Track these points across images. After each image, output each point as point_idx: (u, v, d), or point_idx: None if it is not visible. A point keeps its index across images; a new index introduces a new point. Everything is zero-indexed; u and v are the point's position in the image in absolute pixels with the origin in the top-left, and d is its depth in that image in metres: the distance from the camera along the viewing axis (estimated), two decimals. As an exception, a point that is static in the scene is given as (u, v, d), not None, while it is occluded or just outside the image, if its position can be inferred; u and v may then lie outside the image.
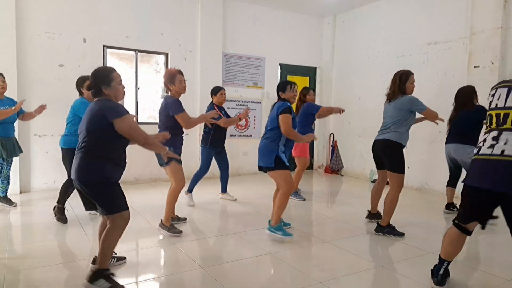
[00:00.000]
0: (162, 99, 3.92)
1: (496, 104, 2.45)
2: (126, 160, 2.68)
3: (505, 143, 2.31)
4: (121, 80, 2.65)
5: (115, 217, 2.53)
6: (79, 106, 4.02)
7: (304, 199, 5.39)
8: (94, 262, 2.90)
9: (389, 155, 3.84)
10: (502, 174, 2.27)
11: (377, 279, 2.96)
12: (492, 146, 2.36)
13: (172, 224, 3.80)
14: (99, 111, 2.48)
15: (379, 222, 3.94)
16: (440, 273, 2.66)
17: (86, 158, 2.50)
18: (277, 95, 3.80)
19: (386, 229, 3.87)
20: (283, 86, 3.77)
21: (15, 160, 5.19)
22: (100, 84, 2.56)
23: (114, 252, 2.96)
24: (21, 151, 4.86)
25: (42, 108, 4.64)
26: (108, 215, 2.56)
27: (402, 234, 3.83)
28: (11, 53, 5.38)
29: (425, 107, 3.74)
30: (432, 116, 3.80)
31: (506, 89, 2.43)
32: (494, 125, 2.43)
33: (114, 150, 2.57)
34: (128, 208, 2.59)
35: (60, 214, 4.11)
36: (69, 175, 4.04)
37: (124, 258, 3.08)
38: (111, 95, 2.58)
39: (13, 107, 4.46)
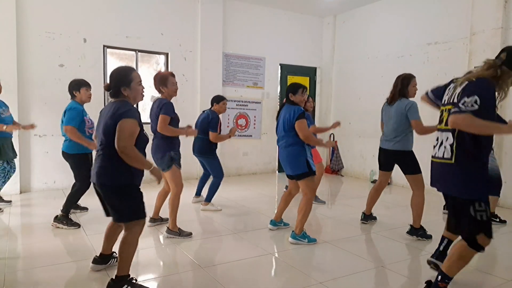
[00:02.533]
0: (153, 102, 3.80)
1: (444, 100, 2.47)
2: None
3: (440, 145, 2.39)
4: (140, 81, 2.55)
5: (133, 224, 2.47)
6: (70, 112, 3.91)
7: (325, 202, 5.34)
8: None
9: (406, 162, 3.83)
10: (437, 176, 2.40)
11: (377, 279, 2.96)
12: (434, 147, 2.46)
13: (180, 228, 3.77)
14: (114, 113, 2.39)
15: (412, 225, 3.80)
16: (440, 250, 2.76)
17: (109, 161, 2.42)
18: (286, 96, 3.69)
19: (420, 232, 3.76)
20: (295, 88, 3.66)
21: (15, 160, 5.18)
22: (120, 85, 2.47)
23: (115, 253, 2.95)
24: (15, 155, 4.79)
25: (31, 127, 4.60)
26: (127, 222, 2.47)
27: (430, 237, 3.76)
28: (11, 53, 5.38)
29: (417, 116, 3.65)
30: (419, 129, 3.64)
31: (452, 85, 2.43)
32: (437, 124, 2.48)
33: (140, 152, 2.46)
34: (146, 215, 2.55)
35: (68, 221, 3.94)
36: (82, 183, 3.95)
37: None
38: (130, 96, 2.50)
39: (4, 127, 4.32)
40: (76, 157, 3.99)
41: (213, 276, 2.87)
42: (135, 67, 6.52)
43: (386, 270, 3.06)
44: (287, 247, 3.54)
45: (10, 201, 4.91)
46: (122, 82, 2.47)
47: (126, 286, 2.46)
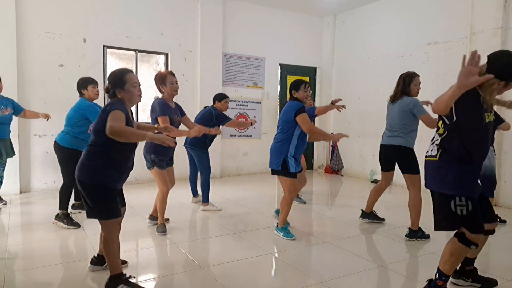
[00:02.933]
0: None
1: None
2: (132, 167, 2.64)
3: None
4: (136, 83, 2.56)
5: (107, 223, 2.49)
6: (88, 109, 4.02)
7: (305, 203, 5.28)
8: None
9: (403, 159, 3.82)
10: (426, 173, 2.49)
11: (377, 279, 2.96)
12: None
13: (163, 224, 3.84)
14: (104, 110, 2.45)
15: (410, 227, 3.79)
16: None
17: (90, 159, 2.46)
18: (290, 93, 3.74)
19: (419, 233, 3.76)
20: (297, 84, 3.72)
21: (15, 160, 5.19)
22: (114, 87, 2.51)
23: None
24: (13, 154, 4.80)
25: (47, 116, 4.63)
26: (97, 219, 2.52)
27: (428, 236, 3.76)
28: (11, 53, 5.38)
29: (424, 111, 3.64)
30: (432, 123, 3.57)
31: None
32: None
33: (120, 156, 2.50)
34: (120, 216, 2.55)
35: (68, 219, 3.96)
36: (67, 178, 3.97)
37: (125, 262, 2.99)
38: (125, 98, 2.53)
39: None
40: (69, 152, 3.98)
41: (213, 276, 2.87)
42: (135, 67, 6.52)
43: (386, 270, 3.06)
44: (287, 247, 3.54)
45: (5, 202, 4.88)
46: (117, 85, 2.52)
47: (122, 285, 2.46)
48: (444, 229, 2.39)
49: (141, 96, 2.62)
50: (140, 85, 2.62)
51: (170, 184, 3.89)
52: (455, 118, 2.23)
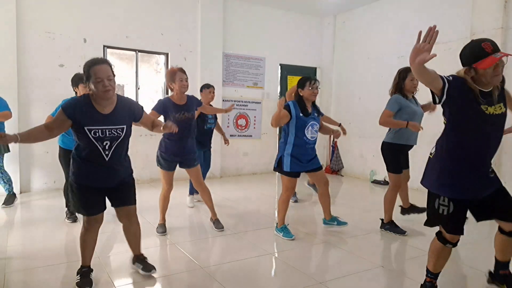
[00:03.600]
0: None
1: None
2: (109, 164, 2.51)
3: None
4: (99, 78, 2.29)
5: (83, 219, 2.63)
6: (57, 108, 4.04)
7: (296, 201, 5.27)
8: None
9: (383, 156, 3.90)
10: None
11: (377, 279, 2.96)
12: None
13: (163, 224, 3.86)
14: None
15: (382, 219, 3.99)
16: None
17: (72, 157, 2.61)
18: (297, 92, 3.70)
19: (387, 226, 3.93)
20: (302, 82, 3.61)
21: (15, 159, 5.20)
22: (85, 79, 2.40)
23: (142, 255, 2.99)
24: (8, 150, 4.80)
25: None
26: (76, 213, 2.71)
27: (403, 232, 3.82)
28: (11, 53, 5.38)
29: (388, 107, 3.70)
30: (382, 118, 3.68)
31: None
32: None
33: (85, 152, 2.47)
34: (93, 215, 2.59)
35: (72, 215, 4.17)
36: (66, 176, 4.07)
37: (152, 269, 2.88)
38: (93, 93, 2.38)
39: None
40: (62, 151, 4.17)
41: (213, 276, 2.87)
42: (135, 67, 6.52)
43: (386, 270, 3.06)
44: (287, 247, 3.54)
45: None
46: (85, 77, 2.40)
47: (78, 275, 2.64)
48: (429, 225, 2.42)
49: (107, 92, 2.34)
50: (109, 79, 2.34)
51: (199, 186, 3.87)
52: (444, 98, 2.15)
